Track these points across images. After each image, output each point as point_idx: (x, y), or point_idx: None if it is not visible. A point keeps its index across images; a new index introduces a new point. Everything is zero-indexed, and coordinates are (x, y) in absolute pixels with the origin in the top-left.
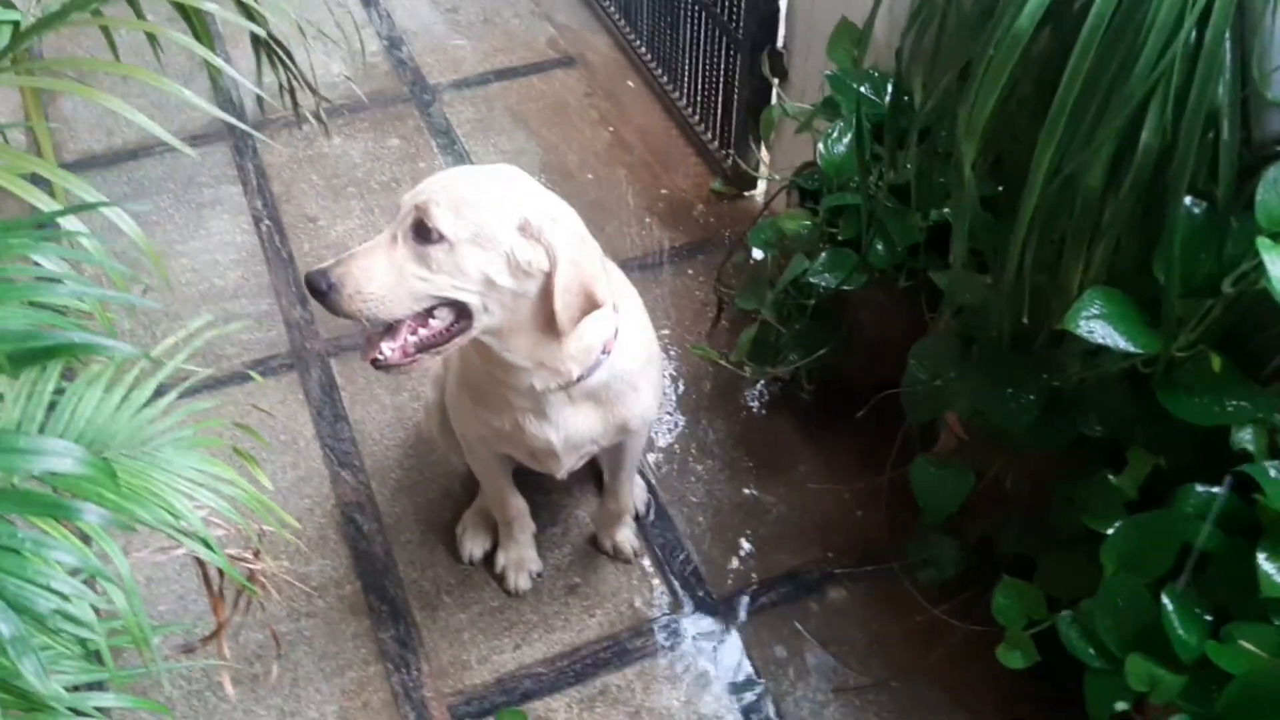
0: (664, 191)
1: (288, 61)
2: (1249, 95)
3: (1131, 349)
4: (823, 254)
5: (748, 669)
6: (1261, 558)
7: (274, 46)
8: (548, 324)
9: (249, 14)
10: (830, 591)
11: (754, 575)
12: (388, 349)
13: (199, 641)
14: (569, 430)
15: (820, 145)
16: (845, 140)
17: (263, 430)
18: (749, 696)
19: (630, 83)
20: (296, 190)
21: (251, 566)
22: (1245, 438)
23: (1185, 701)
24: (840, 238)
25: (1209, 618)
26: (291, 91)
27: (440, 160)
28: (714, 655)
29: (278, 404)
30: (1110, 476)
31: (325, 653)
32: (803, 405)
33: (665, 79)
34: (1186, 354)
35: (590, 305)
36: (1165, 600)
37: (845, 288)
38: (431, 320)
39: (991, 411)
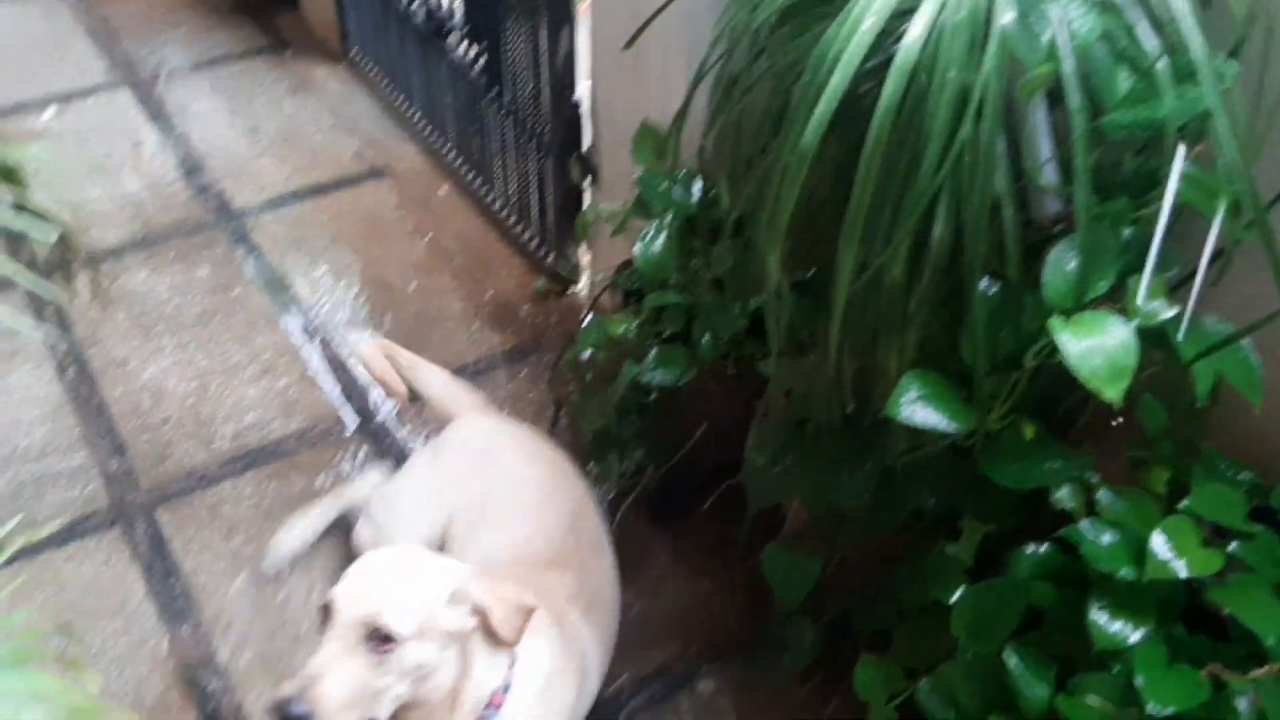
0: (489, 295)
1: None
2: (1025, 184)
3: (951, 428)
4: (652, 352)
5: None
6: (1093, 611)
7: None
8: (465, 671)
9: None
10: (700, 684)
11: (623, 676)
12: None
13: None
14: None
15: (637, 246)
16: (660, 239)
17: (88, 595)
18: None
19: (443, 190)
20: (102, 333)
21: None
22: (1064, 496)
23: None
24: (666, 333)
25: (1053, 671)
26: (65, 264)
27: (253, 287)
28: None
29: (102, 565)
30: (947, 548)
31: None
32: (651, 502)
33: (478, 183)
34: (1001, 425)
35: (529, 614)
36: (1009, 659)
37: (680, 382)
38: None
39: (829, 494)
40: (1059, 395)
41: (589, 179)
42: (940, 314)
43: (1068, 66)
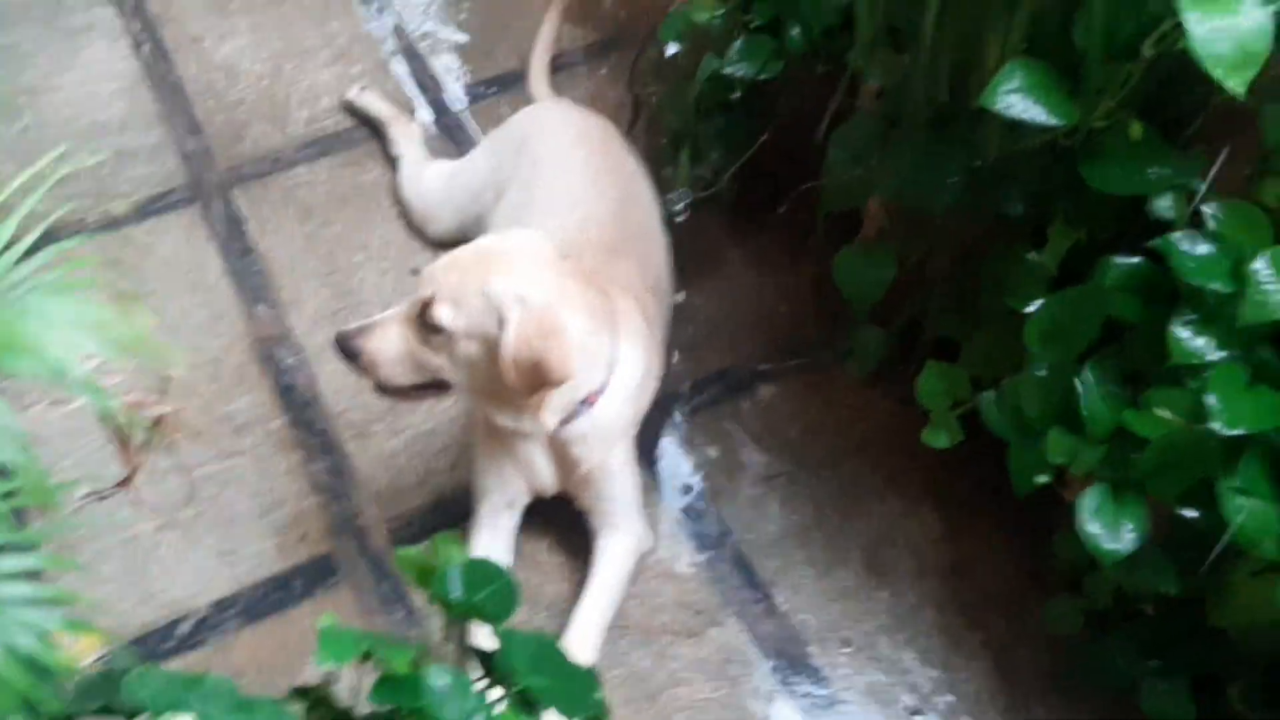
0: None
1: None
2: None
3: (1052, 121)
4: (736, 43)
5: (686, 471)
6: (1175, 325)
7: None
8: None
9: None
10: (761, 388)
11: (685, 380)
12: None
13: (112, 488)
14: (543, 472)
15: None
16: None
17: (167, 270)
18: (688, 499)
19: None
20: (176, 7)
21: (157, 412)
22: (1164, 205)
23: (1102, 469)
24: (754, 24)
25: (1123, 390)
26: None
27: None
28: (653, 467)
29: (180, 242)
30: (1031, 254)
31: (258, 490)
32: (727, 204)
33: None
34: (1107, 123)
35: (543, 383)
36: (1081, 379)
37: (763, 77)
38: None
39: (914, 193)
40: (1175, 94)
41: None
42: None
43: None
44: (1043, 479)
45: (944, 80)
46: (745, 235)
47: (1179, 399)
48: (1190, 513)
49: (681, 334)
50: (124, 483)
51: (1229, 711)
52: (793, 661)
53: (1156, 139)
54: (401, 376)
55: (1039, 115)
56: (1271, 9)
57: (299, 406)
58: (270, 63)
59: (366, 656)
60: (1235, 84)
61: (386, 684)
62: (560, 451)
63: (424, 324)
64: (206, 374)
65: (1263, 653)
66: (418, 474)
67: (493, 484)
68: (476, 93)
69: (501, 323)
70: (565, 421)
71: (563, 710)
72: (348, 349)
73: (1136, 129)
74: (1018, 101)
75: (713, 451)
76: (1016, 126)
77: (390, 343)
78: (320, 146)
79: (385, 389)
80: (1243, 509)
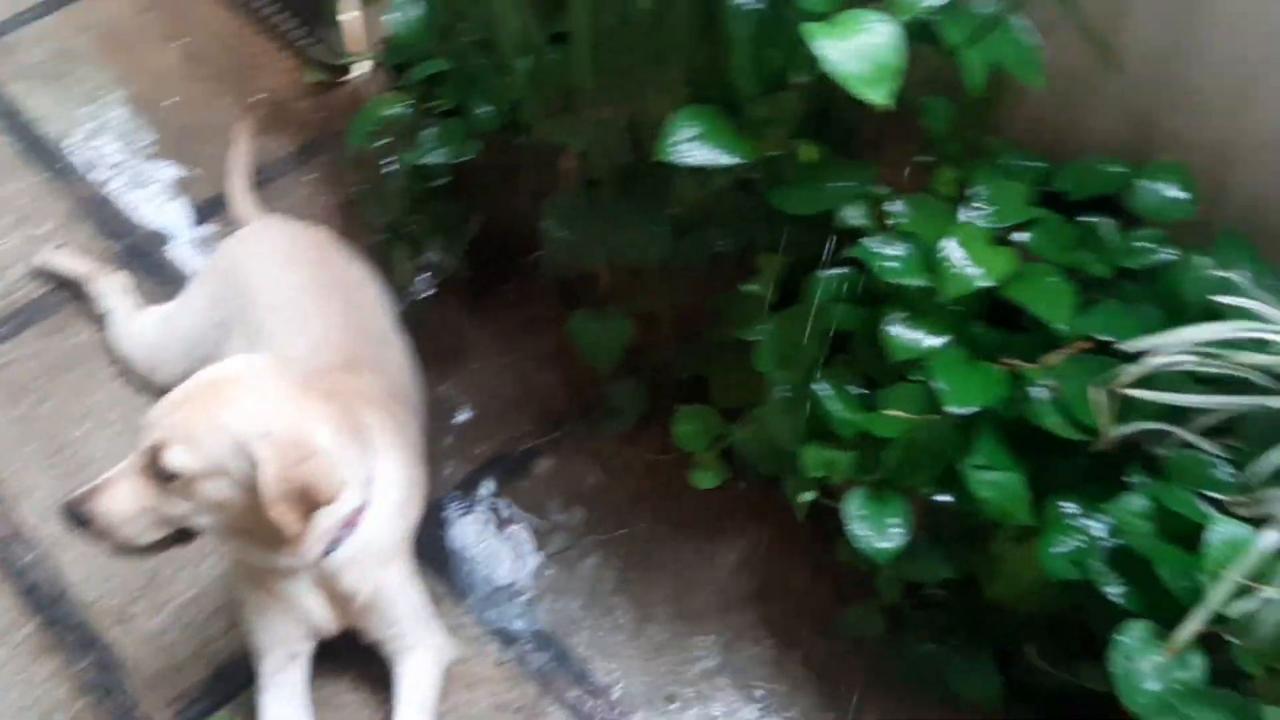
0: (260, 96)
1: None
2: None
3: (728, 160)
4: (426, 132)
5: (477, 568)
6: (888, 325)
7: None
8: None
9: None
10: (535, 465)
11: (457, 475)
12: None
13: None
14: (317, 612)
15: (391, 13)
16: (413, 2)
17: None
18: (484, 596)
19: None
20: None
21: None
22: (854, 215)
23: (858, 474)
24: (443, 109)
25: (863, 392)
26: None
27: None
28: (441, 572)
29: None
30: (746, 286)
31: (20, 706)
32: (464, 290)
33: None
34: (781, 152)
35: (314, 507)
36: (818, 388)
37: (463, 159)
38: None
39: (626, 251)
40: (836, 112)
41: None
42: (702, 45)
43: None
44: (809, 496)
45: (624, 139)
46: (487, 317)
47: (910, 393)
48: (945, 498)
49: (444, 429)
50: None
51: (1032, 672)
52: None
53: (829, 156)
54: (144, 535)
55: (716, 157)
56: (900, 22)
57: (47, 605)
58: None
59: None
60: (879, 97)
61: None
62: (330, 585)
63: (157, 472)
64: None
65: (1041, 613)
66: (192, 647)
67: (268, 640)
68: (177, 227)
69: (252, 462)
70: (329, 550)
71: None
72: (77, 516)
73: (808, 151)
74: (692, 149)
75: (500, 541)
76: (700, 171)
77: (123, 501)
78: (19, 319)
79: (125, 549)
80: (987, 484)
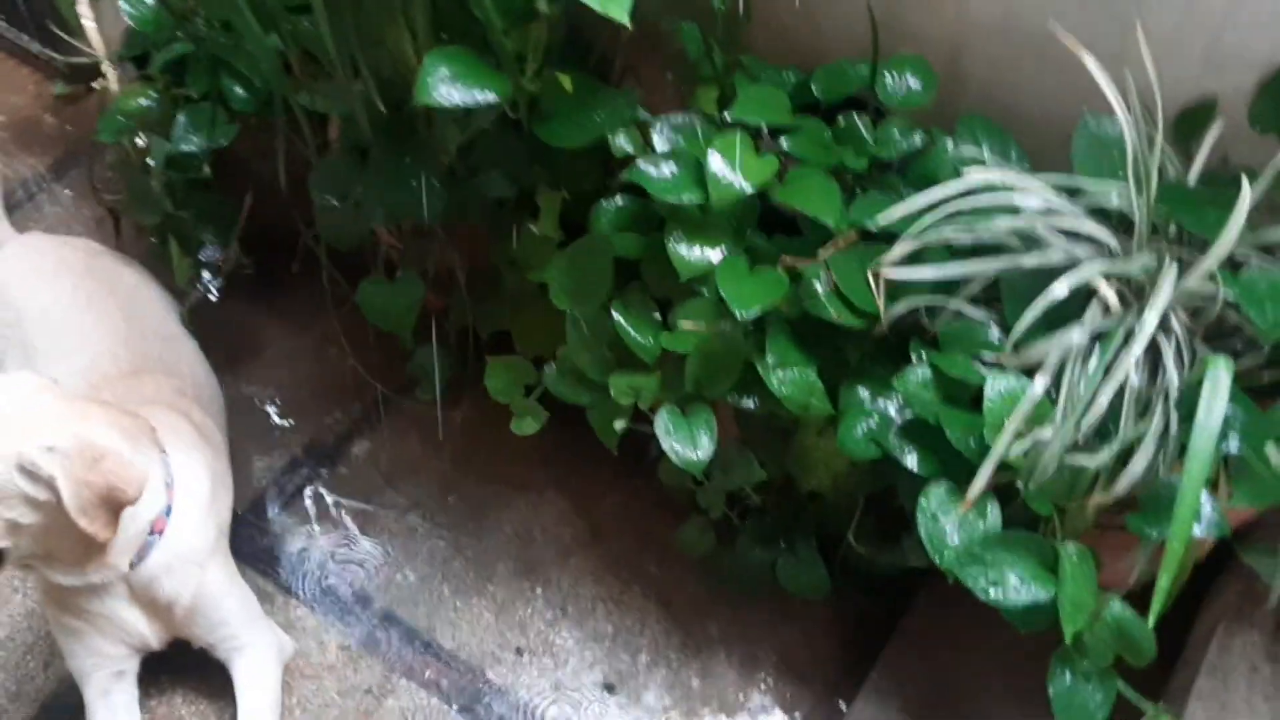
0: (3, 119)
1: None
2: None
3: (487, 98)
4: (179, 119)
5: (305, 559)
6: (670, 243)
7: None
8: (84, 536)
9: None
10: (352, 448)
11: (273, 468)
12: None
13: None
14: (138, 626)
15: (122, 4)
16: None
17: None
18: (316, 586)
19: None
20: None
21: None
22: (621, 142)
23: (664, 394)
24: (194, 97)
25: (657, 316)
26: None
27: None
28: (270, 570)
29: None
30: (531, 226)
31: None
32: (250, 281)
33: None
34: (539, 85)
35: (120, 506)
36: (615, 315)
37: (221, 144)
38: None
39: (401, 210)
40: (587, 41)
41: None
42: None
43: None
44: (620, 424)
45: (376, 93)
46: (276, 305)
47: (702, 307)
48: (748, 403)
49: (253, 425)
50: None
51: (855, 559)
52: (476, 694)
53: (589, 85)
54: None
55: (474, 96)
56: None
57: None
58: None
59: None
60: (617, 13)
61: None
62: (147, 595)
63: None
64: None
65: (856, 498)
66: (8, 690)
67: (90, 663)
68: None
69: (42, 481)
70: (139, 559)
71: None
72: None
73: (565, 81)
74: (450, 90)
75: (326, 529)
76: (464, 114)
77: None
78: None
79: None
80: (783, 382)
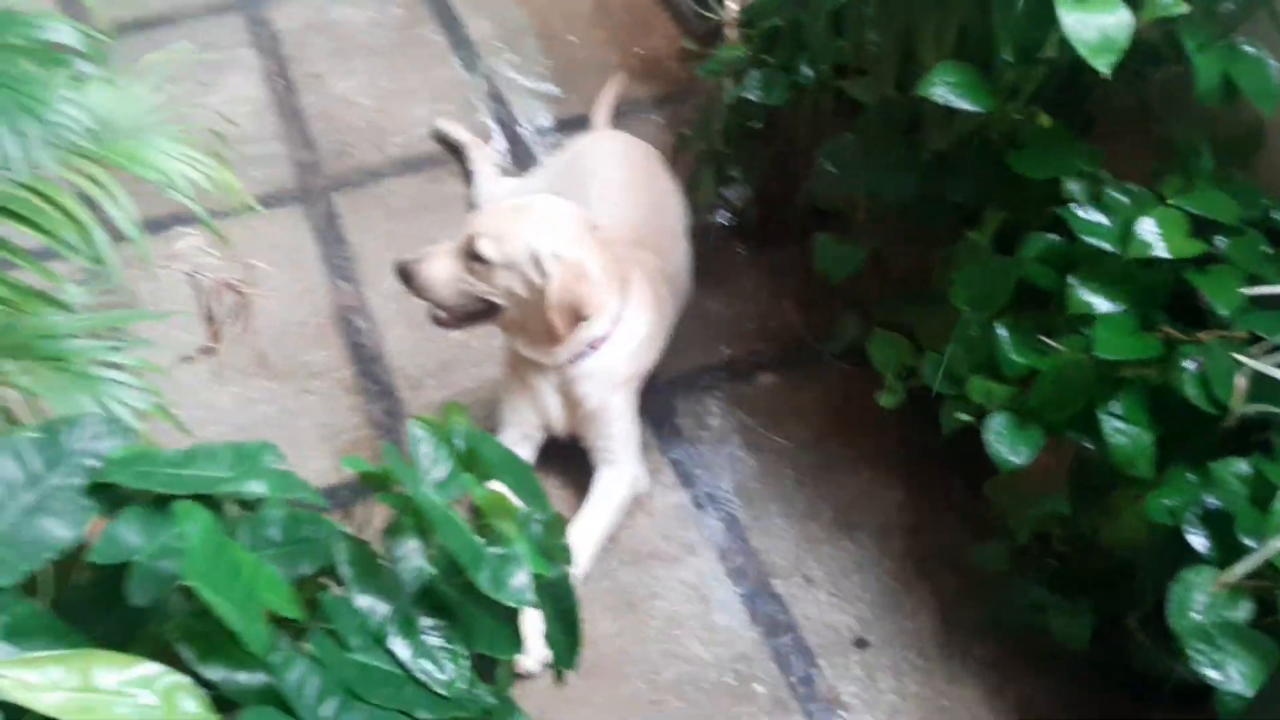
0: (639, 51)
1: None
2: None
3: (974, 108)
4: (754, 73)
5: (689, 437)
6: (1072, 281)
7: None
8: (549, 327)
9: None
10: (761, 377)
11: (695, 363)
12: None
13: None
14: (554, 408)
15: None
16: None
17: (273, 250)
18: (685, 456)
19: None
20: (306, 50)
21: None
22: (1074, 189)
23: (1010, 403)
24: (773, 62)
25: (1034, 339)
26: None
27: (436, 31)
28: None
29: (287, 229)
30: (969, 234)
31: (324, 422)
32: (748, 223)
33: None
34: (1022, 117)
35: (579, 317)
36: (999, 329)
37: (775, 105)
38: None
39: (880, 187)
40: (1079, 96)
41: None
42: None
43: None
44: (964, 417)
45: (890, 77)
46: (753, 248)
47: (1074, 343)
48: (1081, 439)
49: (698, 328)
50: (208, 350)
51: (1128, 637)
52: (758, 588)
53: (1063, 132)
54: (450, 300)
55: (964, 104)
56: (1127, 10)
57: (366, 360)
58: (378, 98)
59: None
60: (1101, 64)
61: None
62: (567, 390)
63: (470, 255)
64: (294, 330)
65: (1145, 566)
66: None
67: (512, 418)
68: (546, 130)
69: (543, 274)
70: (574, 360)
71: (515, 491)
72: (405, 273)
73: (1044, 119)
74: (947, 93)
75: (711, 425)
76: (949, 116)
77: (441, 269)
78: (410, 165)
79: (438, 319)
80: (1120, 432)
